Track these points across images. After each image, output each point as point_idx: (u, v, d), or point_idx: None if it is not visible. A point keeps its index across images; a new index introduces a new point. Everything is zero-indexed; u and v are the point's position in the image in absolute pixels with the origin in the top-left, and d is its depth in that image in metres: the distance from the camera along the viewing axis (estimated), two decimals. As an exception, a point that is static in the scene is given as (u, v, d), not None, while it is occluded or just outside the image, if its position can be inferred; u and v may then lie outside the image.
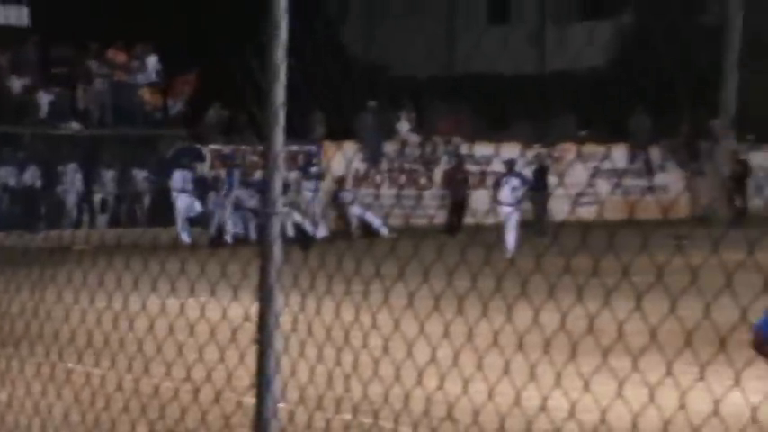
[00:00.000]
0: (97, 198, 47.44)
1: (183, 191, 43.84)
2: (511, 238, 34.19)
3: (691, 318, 6.14)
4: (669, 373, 6.02)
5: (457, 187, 45.46)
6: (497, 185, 39.38)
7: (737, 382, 6.08)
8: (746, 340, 8.07)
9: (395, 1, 67.32)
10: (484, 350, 7.45)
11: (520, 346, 6.82)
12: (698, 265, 6.17)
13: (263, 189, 6.96)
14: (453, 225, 41.80)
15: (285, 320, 7.26)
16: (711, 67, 51.53)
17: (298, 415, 9.13)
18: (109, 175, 47.86)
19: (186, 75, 50.32)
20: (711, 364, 6.18)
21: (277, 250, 7.03)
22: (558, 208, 39.60)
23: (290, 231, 39.91)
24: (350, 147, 47.59)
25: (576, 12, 63.09)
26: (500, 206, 36.91)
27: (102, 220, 47.03)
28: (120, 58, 49.94)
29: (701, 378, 6.18)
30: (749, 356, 6.75)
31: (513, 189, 37.51)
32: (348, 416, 10.74)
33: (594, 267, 6.25)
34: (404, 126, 49.94)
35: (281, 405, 7.13)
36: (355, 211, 43.39)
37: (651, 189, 50.35)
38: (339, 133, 47.54)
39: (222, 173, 45.48)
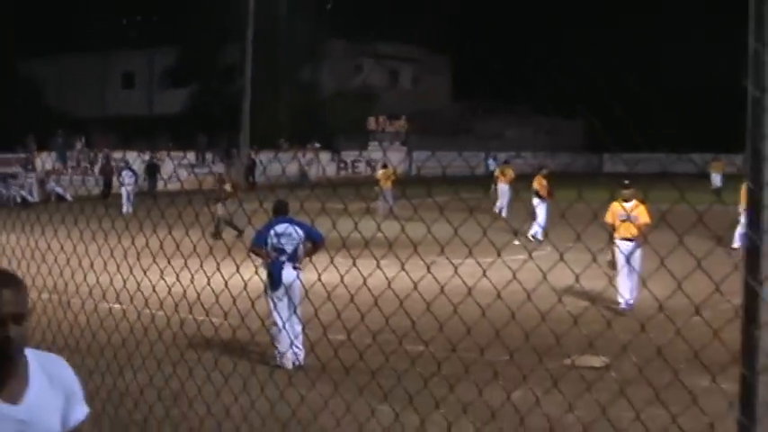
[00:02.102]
0: None
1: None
2: (127, 203, 33.54)
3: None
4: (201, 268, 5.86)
5: (106, 174, 43.67)
6: (119, 174, 38.47)
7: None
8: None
9: (78, 73, 65.26)
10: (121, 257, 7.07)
11: (138, 257, 6.52)
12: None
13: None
14: (105, 194, 40.31)
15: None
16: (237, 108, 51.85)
17: None
18: None
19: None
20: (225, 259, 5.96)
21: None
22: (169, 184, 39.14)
23: (18, 199, 39.22)
24: (51, 155, 45.75)
25: (173, 82, 62.24)
26: (121, 186, 35.77)
27: None
28: None
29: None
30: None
31: (129, 176, 36.35)
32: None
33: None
34: (78, 144, 48.55)
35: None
36: (54, 188, 41.67)
37: (211, 172, 50.24)
38: (45, 146, 45.70)
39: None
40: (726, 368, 3.41)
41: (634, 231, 14.57)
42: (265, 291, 11.03)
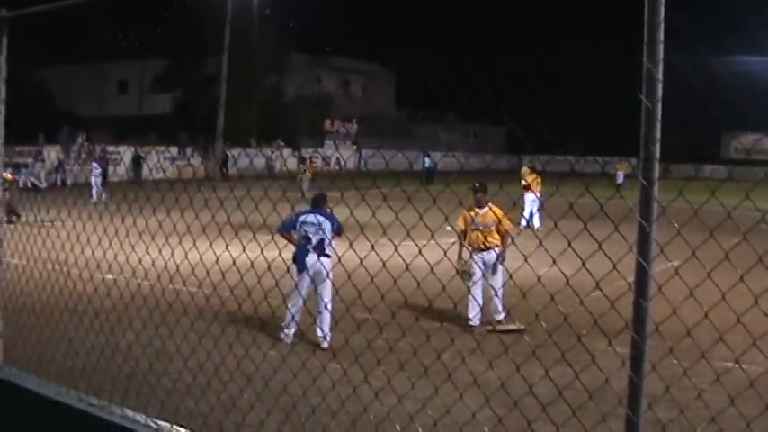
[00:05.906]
0: None
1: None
2: (95, 191, 31.34)
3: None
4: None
5: (104, 163, 42.61)
6: (90, 166, 35.66)
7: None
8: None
9: (81, 79, 64.05)
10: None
11: (140, 235, 6.30)
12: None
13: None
14: (103, 183, 39.45)
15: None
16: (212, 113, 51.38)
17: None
18: None
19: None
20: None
21: None
22: (154, 174, 37.91)
23: (29, 185, 38.31)
24: (57, 148, 45.00)
25: (161, 88, 61.39)
26: (93, 177, 33.20)
27: None
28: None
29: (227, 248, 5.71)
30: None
31: (95, 168, 33.66)
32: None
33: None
34: (80, 139, 47.66)
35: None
36: (60, 176, 41.05)
37: (189, 165, 49.60)
38: (52, 140, 44.85)
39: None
40: (619, 334, 3.41)
41: (490, 240, 11.22)
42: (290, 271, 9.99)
